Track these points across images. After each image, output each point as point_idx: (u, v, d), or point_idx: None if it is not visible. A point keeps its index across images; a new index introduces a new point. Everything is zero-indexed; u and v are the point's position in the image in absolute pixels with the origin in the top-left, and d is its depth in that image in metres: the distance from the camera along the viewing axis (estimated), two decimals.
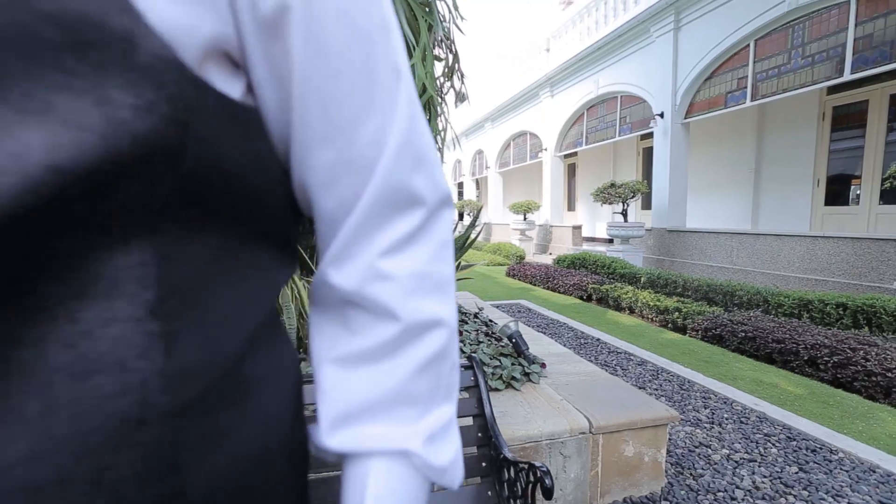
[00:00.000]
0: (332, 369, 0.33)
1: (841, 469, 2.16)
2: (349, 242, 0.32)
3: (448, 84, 1.94)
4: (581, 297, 6.57)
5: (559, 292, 7.05)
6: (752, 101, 6.86)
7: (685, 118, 8.14)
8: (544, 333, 4.32)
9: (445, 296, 0.34)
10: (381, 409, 0.32)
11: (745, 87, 6.91)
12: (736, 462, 2.22)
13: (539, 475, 1.13)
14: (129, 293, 0.22)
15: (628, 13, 9.06)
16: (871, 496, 1.95)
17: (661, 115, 8.35)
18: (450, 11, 1.75)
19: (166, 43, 0.22)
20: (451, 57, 1.84)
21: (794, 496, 1.95)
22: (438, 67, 2.06)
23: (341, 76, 0.28)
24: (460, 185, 22.32)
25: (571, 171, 14.88)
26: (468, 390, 1.43)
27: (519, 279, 8.58)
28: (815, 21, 5.93)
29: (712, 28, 7.26)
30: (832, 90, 7.14)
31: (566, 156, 13.05)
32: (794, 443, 2.40)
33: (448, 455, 0.34)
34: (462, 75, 1.95)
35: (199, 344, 0.25)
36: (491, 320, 3.12)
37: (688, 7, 7.66)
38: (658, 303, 5.15)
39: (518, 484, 1.23)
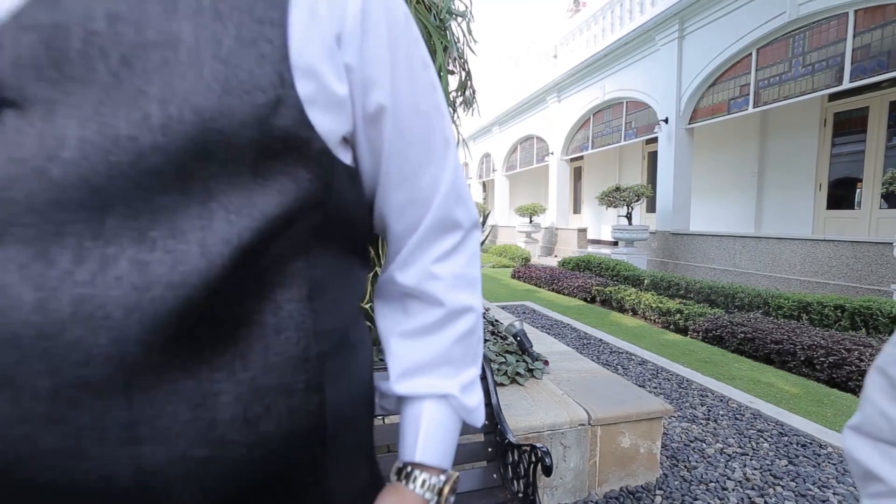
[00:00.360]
0: (396, 340, 0.48)
1: (829, 462, 2.28)
2: (411, 253, 0.47)
3: (461, 98, 2.11)
4: (585, 299, 6.70)
5: (564, 294, 7.18)
6: (754, 107, 6.97)
7: (689, 124, 8.25)
8: (548, 334, 4.45)
9: (475, 291, 0.49)
10: (430, 367, 0.47)
11: (748, 94, 7.02)
12: (729, 455, 2.35)
13: (540, 455, 1.27)
14: (297, 286, 0.37)
15: (634, 22, 9.20)
16: (855, 487, 2.07)
17: (666, 121, 8.47)
18: (464, 35, 1.92)
19: (324, 140, 0.37)
20: (464, 74, 2.01)
21: (783, 487, 2.08)
22: (453, 81, 2.21)
23: (412, 145, 0.44)
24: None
25: (577, 174, 15.00)
26: None
27: (524, 281, 8.71)
28: (814, 31, 6.04)
29: (715, 37, 7.38)
30: (833, 97, 7.22)
31: (572, 159, 13.17)
32: (786, 438, 2.52)
33: (475, 400, 0.49)
34: (474, 91, 2.12)
35: (329, 317, 0.40)
36: (497, 320, 3.27)
37: (692, 17, 7.78)
38: (660, 304, 5.27)
39: (521, 465, 1.38)
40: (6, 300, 0.28)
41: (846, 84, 5.70)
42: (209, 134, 0.31)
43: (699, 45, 7.76)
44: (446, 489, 0.47)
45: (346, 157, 0.41)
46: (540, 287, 8.00)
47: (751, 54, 6.93)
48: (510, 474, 1.44)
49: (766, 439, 2.52)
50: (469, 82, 2.08)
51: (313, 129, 0.36)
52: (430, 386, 0.47)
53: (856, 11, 5.53)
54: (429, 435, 0.47)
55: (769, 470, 2.21)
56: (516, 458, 1.40)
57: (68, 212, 0.29)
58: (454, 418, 0.48)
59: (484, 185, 21.03)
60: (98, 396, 0.30)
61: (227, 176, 0.33)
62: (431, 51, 1.84)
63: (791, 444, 2.46)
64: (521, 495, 1.37)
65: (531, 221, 13.35)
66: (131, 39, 0.30)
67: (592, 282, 6.84)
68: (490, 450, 1.54)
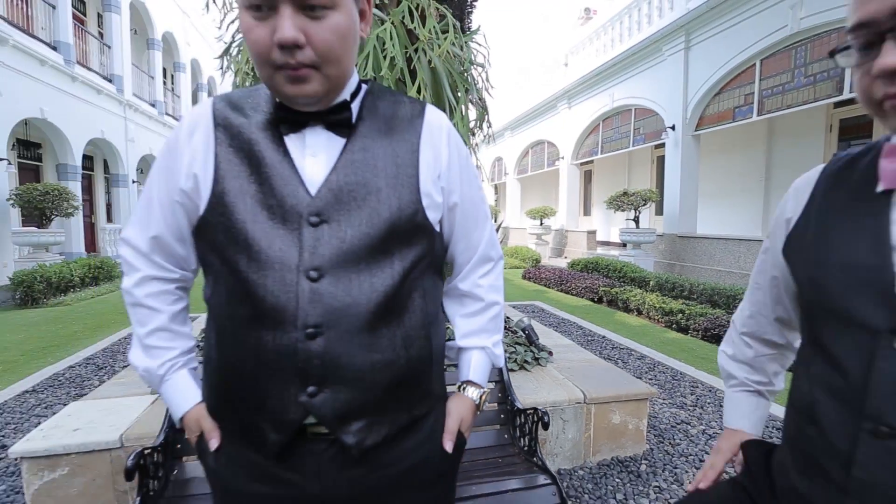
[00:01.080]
0: (459, 320, 0.89)
1: None
2: (467, 274, 0.87)
3: (479, 129, 2.52)
4: (592, 300, 7.03)
5: (572, 294, 7.51)
6: (758, 115, 7.23)
7: (695, 130, 8.52)
8: (555, 331, 4.81)
9: (500, 293, 0.90)
10: (476, 333, 0.88)
11: (752, 103, 7.29)
12: (709, 435, 2.69)
13: (540, 415, 1.65)
14: (419, 291, 0.76)
15: (642, 33, 9.49)
16: None
17: (673, 128, 8.75)
18: (483, 80, 2.33)
19: (432, 224, 0.75)
20: (482, 110, 2.41)
21: None
22: (473, 110, 2.60)
23: (468, 219, 0.82)
24: None
25: (587, 177, 15.27)
26: None
27: (534, 282, 9.04)
28: (816, 44, 6.30)
29: (720, 48, 7.66)
30: (839, 104, 7.45)
31: (582, 163, 13.46)
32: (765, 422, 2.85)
33: (501, 352, 0.90)
34: (490, 124, 2.54)
35: (431, 305, 0.79)
36: (508, 317, 3.64)
37: (697, 29, 8.06)
38: (664, 305, 5.58)
39: (526, 425, 1.76)
40: (352, 298, 0.68)
41: (846, 94, 5.95)
42: (392, 227, 0.70)
43: (705, 56, 8.04)
44: (484, 397, 0.88)
45: (438, 228, 0.79)
46: (549, 288, 8.33)
47: (755, 65, 7.20)
48: (517, 434, 1.82)
49: None
50: (486, 116, 2.48)
51: (428, 220, 0.75)
52: (477, 342, 0.88)
53: None
54: (475, 367, 0.87)
55: None
56: (522, 420, 1.78)
57: (352, 261, 0.68)
58: (488, 361, 0.89)
59: (496, 187, 21.37)
60: (360, 328, 0.69)
61: (398, 243, 0.72)
62: (455, 92, 2.24)
63: (768, 427, 2.80)
64: (526, 449, 1.74)
65: (542, 224, 13.67)
66: (364, 190, 0.70)
67: (600, 283, 7.16)
68: (502, 416, 1.92)
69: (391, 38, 2.11)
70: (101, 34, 12.49)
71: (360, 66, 2.29)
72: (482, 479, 1.58)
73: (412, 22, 2.17)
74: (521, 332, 2.94)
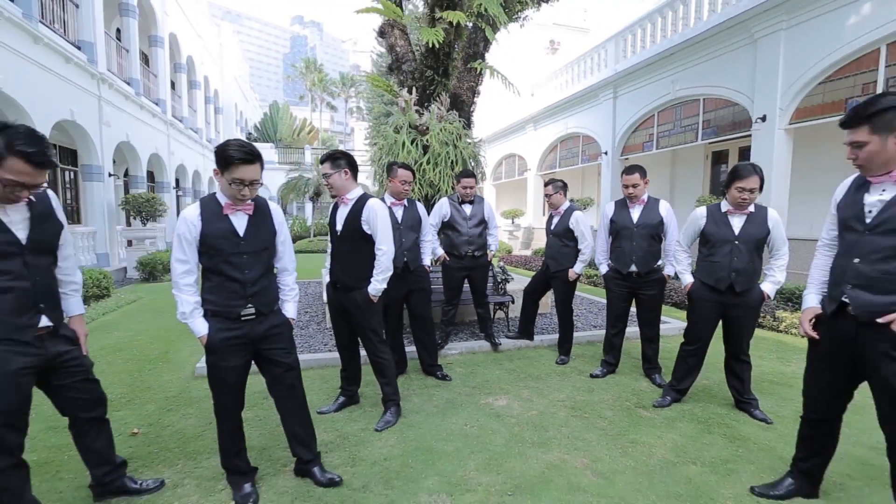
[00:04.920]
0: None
1: None
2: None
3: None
4: None
5: (533, 271, 10.79)
6: (656, 149, 10.70)
7: (621, 156, 11.96)
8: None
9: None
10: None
11: (653, 140, 10.75)
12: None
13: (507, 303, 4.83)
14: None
15: (587, 81, 12.91)
16: None
17: (606, 153, 12.17)
18: (483, 154, 5.48)
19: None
20: (481, 168, 5.56)
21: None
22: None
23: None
24: None
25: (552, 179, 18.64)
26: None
27: (506, 264, 12.32)
28: (685, 107, 9.79)
29: (634, 101, 11.11)
30: (712, 142, 10.97)
31: (545, 174, 16.80)
32: None
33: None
34: (484, 176, 5.68)
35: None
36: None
37: (621, 86, 11.51)
38: (588, 271, 8.89)
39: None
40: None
41: (700, 142, 9.44)
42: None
43: (624, 105, 11.49)
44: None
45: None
46: (518, 268, 11.59)
47: (654, 115, 10.66)
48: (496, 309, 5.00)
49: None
50: (483, 172, 5.65)
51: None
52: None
53: (704, 100, 9.28)
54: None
55: None
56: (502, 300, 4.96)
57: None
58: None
59: None
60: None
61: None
62: (461, 160, 5.39)
63: None
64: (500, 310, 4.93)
65: (513, 222, 16.95)
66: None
67: None
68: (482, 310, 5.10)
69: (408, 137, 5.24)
70: None
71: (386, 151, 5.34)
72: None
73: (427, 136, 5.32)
74: (499, 269, 6.09)
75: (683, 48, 9.33)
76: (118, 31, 13.71)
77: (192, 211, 2.02)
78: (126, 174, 14.01)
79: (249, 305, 2.07)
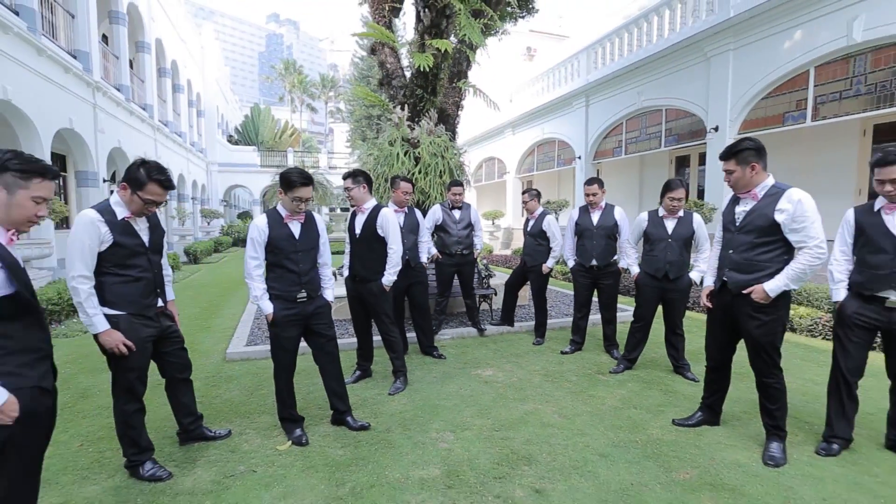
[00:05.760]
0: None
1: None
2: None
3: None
4: None
5: (510, 268, 11.57)
6: (625, 154, 11.63)
7: (593, 160, 12.87)
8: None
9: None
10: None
11: (621, 146, 11.69)
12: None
13: (490, 295, 5.58)
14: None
15: (561, 90, 13.80)
16: None
17: (580, 158, 13.07)
18: (467, 165, 6.20)
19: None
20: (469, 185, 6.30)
21: None
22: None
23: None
24: None
25: (528, 187, 19.55)
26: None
27: (489, 263, 13.11)
28: (649, 116, 10.75)
29: (604, 110, 12.04)
30: (676, 149, 11.97)
31: (523, 177, 17.67)
32: None
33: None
34: (469, 184, 6.41)
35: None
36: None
37: (592, 95, 12.43)
38: (560, 267, 9.72)
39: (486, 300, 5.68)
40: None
41: (663, 148, 10.39)
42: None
43: (595, 113, 12.41)
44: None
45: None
46: (498, 266, 12.38)
47: (622, 123, 11.59)
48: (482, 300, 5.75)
49: None
50: (470, 182, 6.37)
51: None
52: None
53: (666, 110, 10.23)
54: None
55: None
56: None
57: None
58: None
59: None
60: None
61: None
62: (448, 170, 6.13)
63: None
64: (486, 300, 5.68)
65: (494, 223, 17.77)
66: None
67: None
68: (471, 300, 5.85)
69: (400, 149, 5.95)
70: None
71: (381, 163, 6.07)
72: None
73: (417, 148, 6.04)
74: (483, 266, 6.84)
75: (647, 62, 10.27)
76: (104, 37, 13.95)
77: (262, 220, 2.70)
78: (113, 179, 14.22)
79: (303, 291, 2.75)
